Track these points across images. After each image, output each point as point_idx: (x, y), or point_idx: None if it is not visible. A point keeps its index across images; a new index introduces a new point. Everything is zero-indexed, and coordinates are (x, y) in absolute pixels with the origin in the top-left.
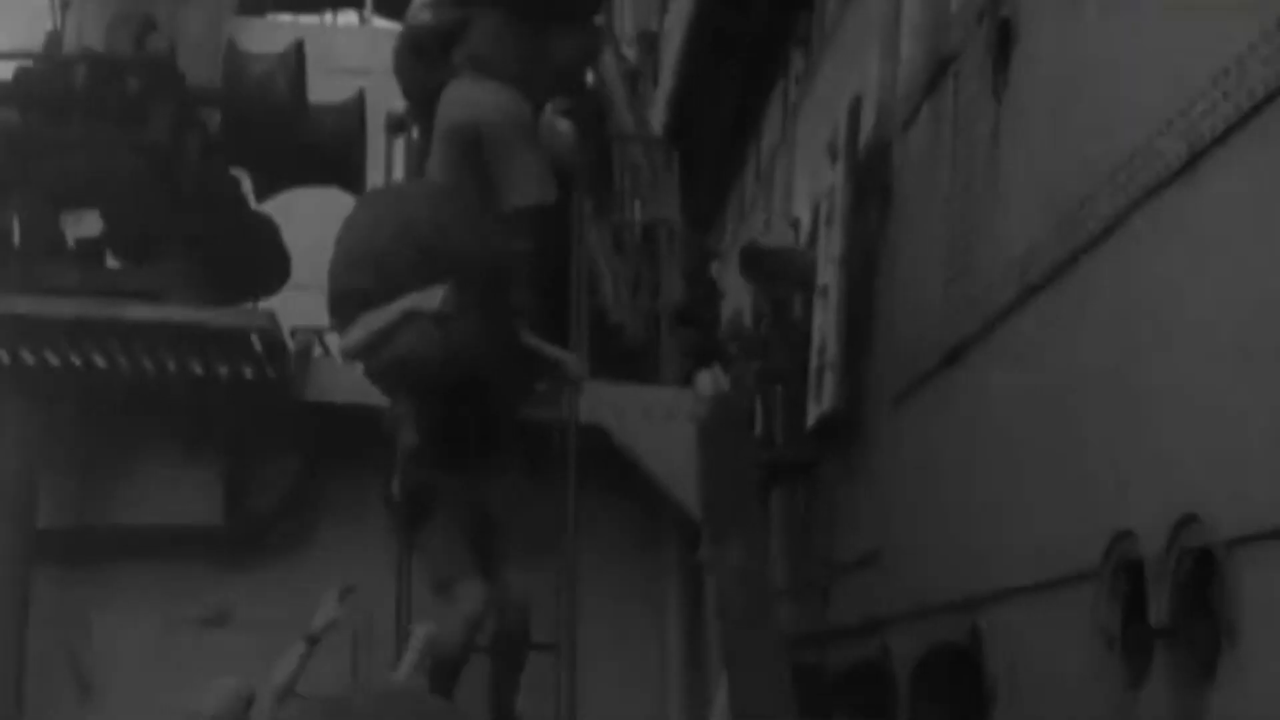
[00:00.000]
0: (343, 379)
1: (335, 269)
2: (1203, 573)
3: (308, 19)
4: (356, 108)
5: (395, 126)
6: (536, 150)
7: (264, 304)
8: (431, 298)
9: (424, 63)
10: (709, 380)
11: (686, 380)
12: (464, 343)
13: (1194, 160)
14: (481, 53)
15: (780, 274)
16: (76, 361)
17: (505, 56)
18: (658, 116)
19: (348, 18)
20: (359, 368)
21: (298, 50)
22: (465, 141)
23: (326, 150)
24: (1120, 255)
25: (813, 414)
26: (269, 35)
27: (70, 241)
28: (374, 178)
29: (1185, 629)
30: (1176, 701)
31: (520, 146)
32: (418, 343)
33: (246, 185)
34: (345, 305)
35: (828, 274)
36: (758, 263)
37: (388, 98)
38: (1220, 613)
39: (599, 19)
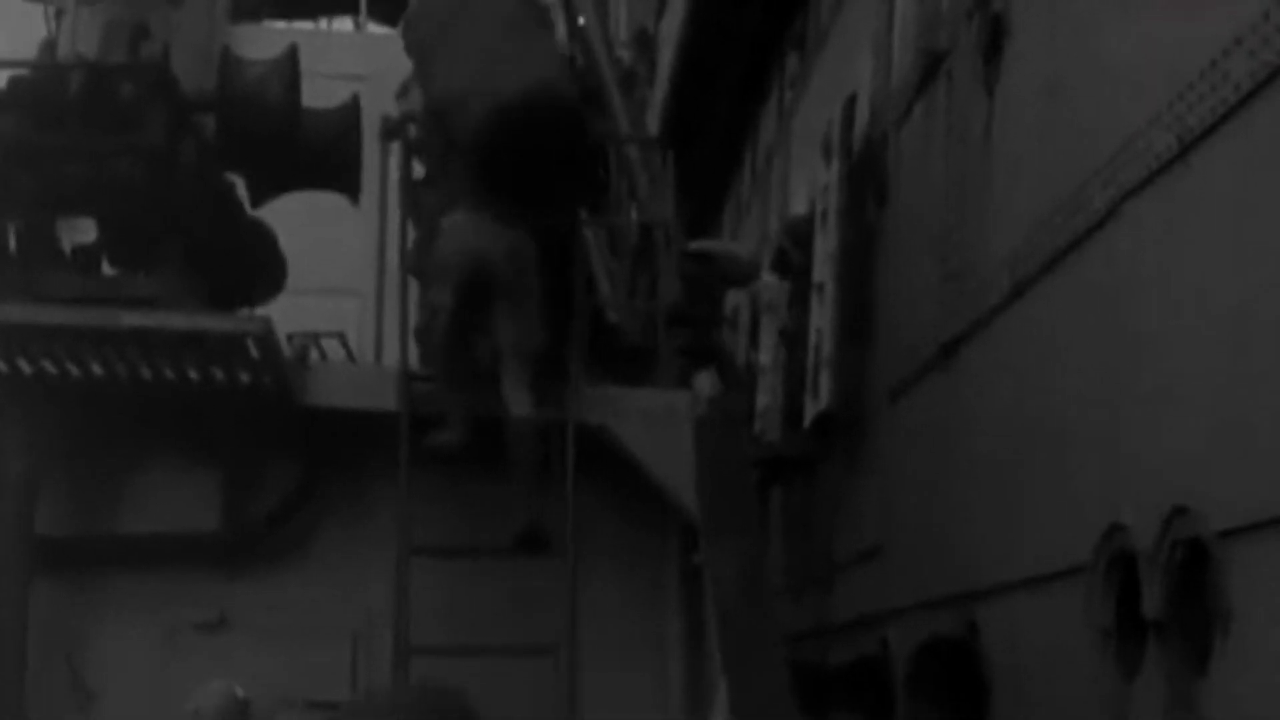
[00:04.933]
0: (339, 383)
1: None
2: (1195, 564)
3: (302, 25)
4: (352, 112)
5: (390, 131)
6: (537, 293)
7: (260, 310)
8: None
9: None
10: (706, 381)
11: (684, 381)
12: None
13: (1184, 152)
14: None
15: (714, 274)
16: (73, 369)
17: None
18: (654, 117)
19: (343, 23)
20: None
21: (292, 55)
22: (471, 285)
23: (322, 155)
24: (1112, 248)
25: (810, 411)
26: (264, 41)
27: (67, 249)
28: (369, 182)
29: (1178, 620)
30: (1170, 692)
31: (522, 294)
32: None
33: (242, 191)
34: None
35: (824, 271)
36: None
37: (382, 102)
38: (1212, 604)
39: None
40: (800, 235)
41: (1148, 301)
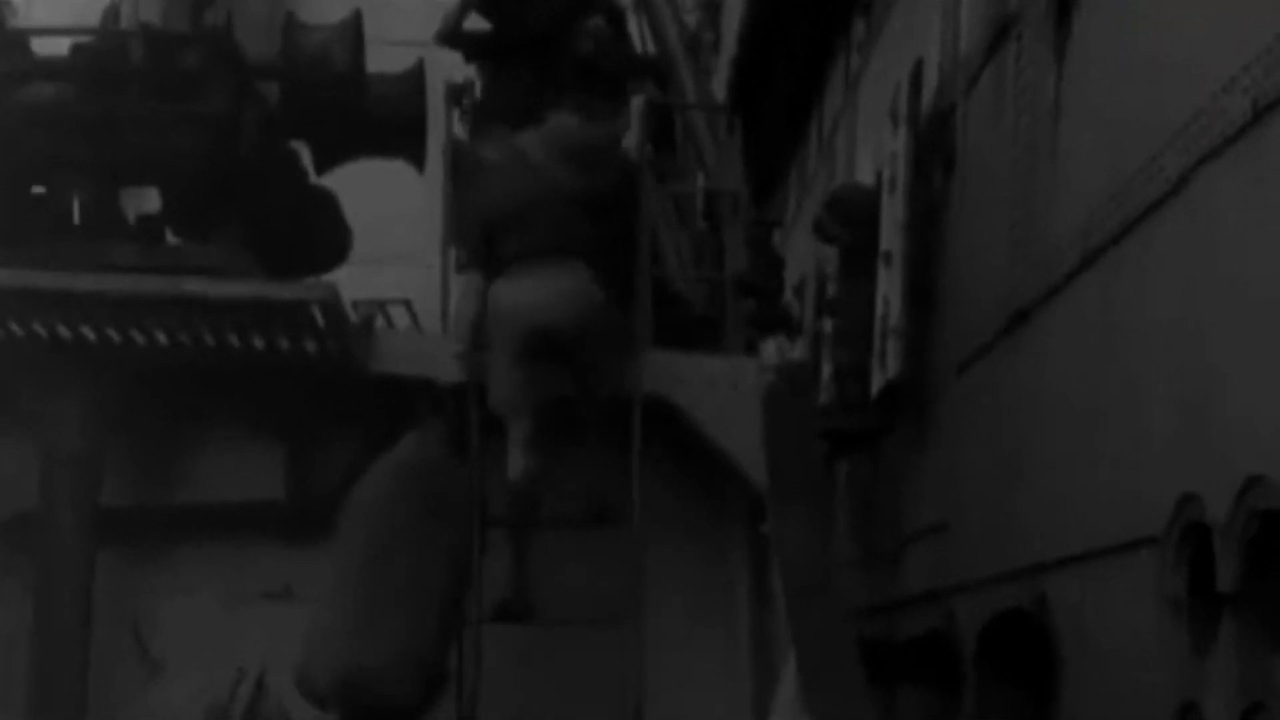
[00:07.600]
0: (405, 352)
1: None
2: (1271, 536)
3: None
4: (416, 78)
5: (455, 96)
6: (615, 335)
7: (326, 277)
8: None
9: None
10: (774, 349)
11: (750, 350)
12: None
13: (1259, 117)
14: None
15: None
16: (138, 338)
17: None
18: (720, 85)
19: None
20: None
21: (356, 21)
22: (536, 354)
23: (387, 122)
24: (1184, 216)
25: (878, 382)
26: (327, 7)
27: (131, 218)
28: (434, 148)
29: (1253, 594)
30: (1244, 667)
31: (598, 346)
32: None
33: (306, 159)
34: None
35: (892, 240)
36: None
37: (447, 67)
38: None
39: None
40: (839, 206)
41: (1222, 269)
